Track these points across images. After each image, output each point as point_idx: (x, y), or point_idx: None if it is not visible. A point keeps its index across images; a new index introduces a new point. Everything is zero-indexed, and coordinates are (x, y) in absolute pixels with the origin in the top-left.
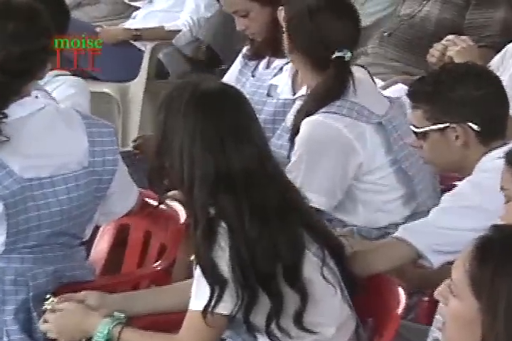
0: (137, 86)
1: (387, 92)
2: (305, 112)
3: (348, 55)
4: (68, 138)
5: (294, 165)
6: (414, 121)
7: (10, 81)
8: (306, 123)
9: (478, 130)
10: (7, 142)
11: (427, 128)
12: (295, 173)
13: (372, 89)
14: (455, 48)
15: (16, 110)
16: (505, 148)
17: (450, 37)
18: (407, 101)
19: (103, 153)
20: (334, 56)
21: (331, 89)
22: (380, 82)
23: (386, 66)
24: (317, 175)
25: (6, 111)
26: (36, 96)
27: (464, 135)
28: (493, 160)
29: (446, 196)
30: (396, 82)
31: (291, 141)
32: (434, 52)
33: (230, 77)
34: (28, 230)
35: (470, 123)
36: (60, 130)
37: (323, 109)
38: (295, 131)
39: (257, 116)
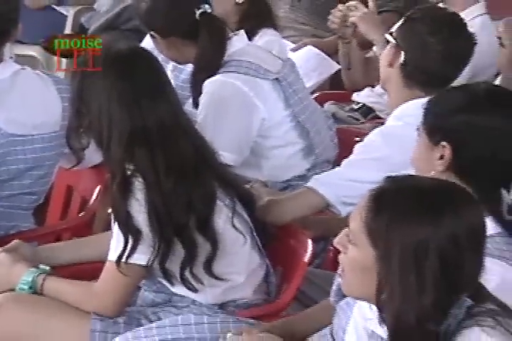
0: None
1: (297, 54)
2: (200, 79)
3: (207, 6)
4: (47, 98)
5: (200, 125)
6: None
7: None
8: (207, 84)
9: (406, 66)
10: None
11: (388, 37)
12: (202, 133)
13: (265, 49)
14: (356, 14)
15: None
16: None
17: (352, 3)
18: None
19: None
20: (198, 15)
21: (216, 45)
22: (290, 45)
23: (296, 29)
24: (224, 133)
25: None
26: (11, 57)
27: (393, 56)
28: (411, 108)
29: (357, 146)
30: (305, 45)
31: (195, 105)
32: (335, 19)
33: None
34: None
35: (402, 52)
36: (40, 91)
37: (222, 69)
38: (196, 94)
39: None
